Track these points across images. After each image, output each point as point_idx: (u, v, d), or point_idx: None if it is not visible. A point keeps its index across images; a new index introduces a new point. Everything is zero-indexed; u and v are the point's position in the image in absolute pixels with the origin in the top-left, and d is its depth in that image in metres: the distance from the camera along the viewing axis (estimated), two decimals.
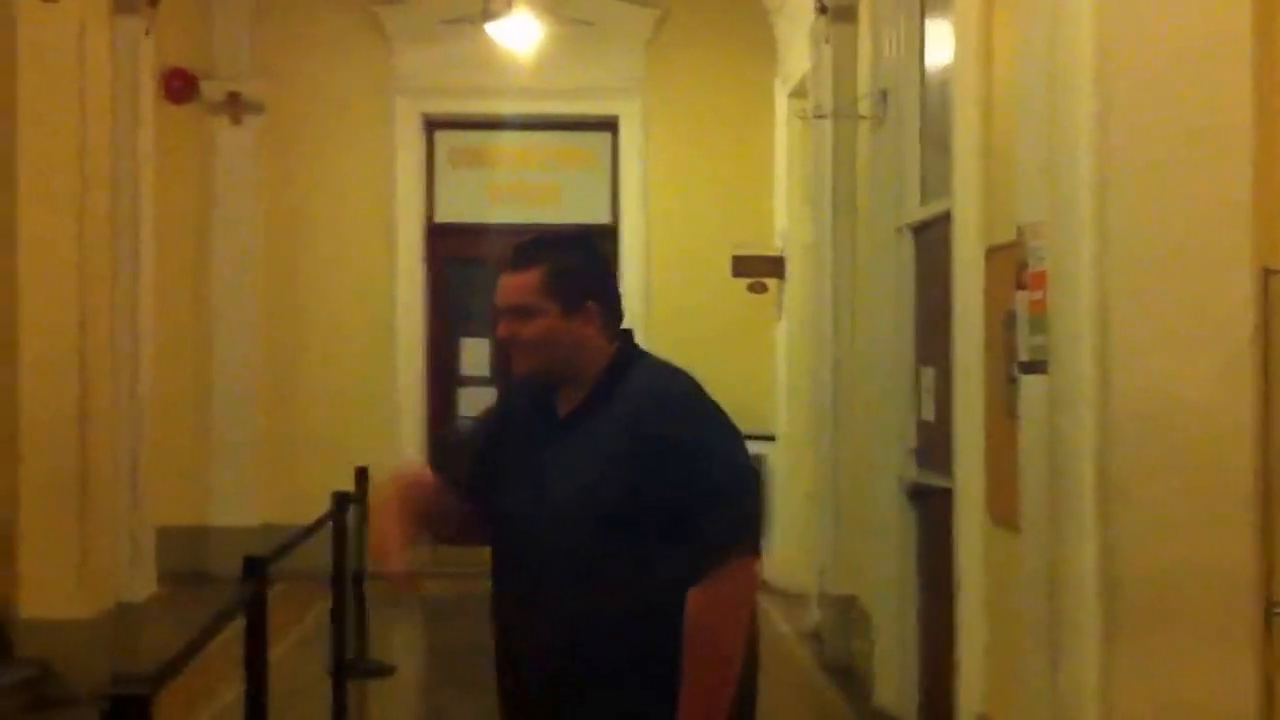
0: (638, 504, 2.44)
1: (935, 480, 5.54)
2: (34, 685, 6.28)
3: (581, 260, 2.63)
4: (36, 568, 6.55)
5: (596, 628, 2.48)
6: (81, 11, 6.53)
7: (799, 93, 8.46)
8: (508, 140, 10.12)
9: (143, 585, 7.59)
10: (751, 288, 9.66)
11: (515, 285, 2.56)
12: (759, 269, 9.57)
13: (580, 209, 10.25)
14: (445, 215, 10.22)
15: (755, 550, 2.49)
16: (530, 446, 2.63)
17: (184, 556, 8.82)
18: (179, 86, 9.11)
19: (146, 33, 7.28)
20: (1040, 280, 3.77)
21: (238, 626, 3.65)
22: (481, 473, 2.71)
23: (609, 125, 10.14)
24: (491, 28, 9.11)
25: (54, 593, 6.53)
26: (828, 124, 7.06)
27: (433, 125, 10.13)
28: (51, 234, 6.53)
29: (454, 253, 10.17)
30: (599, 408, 2.56)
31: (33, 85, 6.49)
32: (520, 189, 10.22)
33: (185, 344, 9.18)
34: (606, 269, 2.74)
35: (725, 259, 9.45)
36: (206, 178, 9.50)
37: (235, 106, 9.41)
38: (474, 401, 10.13)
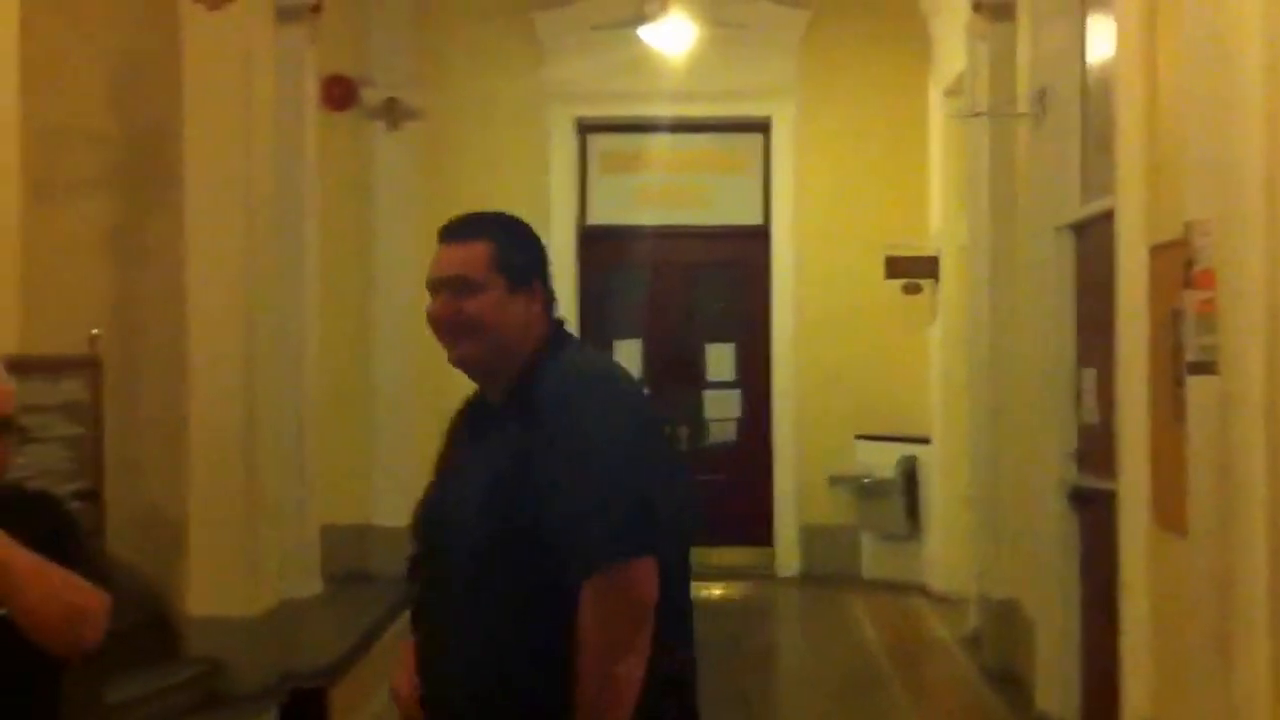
0: (516, 505, 2.25)
1: (1097, 483, 5.46)
2: (204, 681, 6.53)
3: (527, 235, 2.44)
4: (205, 567, 6.77)
5: (489, 641, 2.29)
6: (246, 21, 6.72)
7: (954, 91, 8.39)
8: (659, 143, 10.18)
9: (307, 583, 7.78)
10: (905, 289, 9.60)
11: (458, 256, 2.36)
12: (913, 270, 9.51)
13: (731, 211, 10.30)
14: (597, 218, 10.33)
15: (640, 552, 2.23)
16: (465, 446, 2.47)
17: (347, 555, 9.04)
18: (339, 94, 9.35)
19: (309, 42, 7.47)
20: (1209, 279, 3.70)
21: (402, 625, 3.74)
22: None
23: (761, 127, 10.15)
24: (644, 32, 9.21)
25: (222, 591, 6.75)
26: (984, 123, 6.99)
27: (585, 129, 10.25)
28: (218, 242, 6.75)
29: (606, 256, 10.29)
30: (510, 404, 2.37)
31: (198, 95, 6.72)
32: (671, 192, 10.30)
33: (348, 347, 9.40)
34: (545, 249, 2.50)
35: (878, 261, 9.41)
36: (366, 184, 9.74)
37: (393, 113, 9.63)
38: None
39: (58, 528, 2.61)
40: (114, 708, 5.38)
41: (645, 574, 2.22)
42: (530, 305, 2.37)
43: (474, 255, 2.35)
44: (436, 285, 2.36)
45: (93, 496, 4.95)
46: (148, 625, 6.72)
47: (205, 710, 6.36)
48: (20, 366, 4.48)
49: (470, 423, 2.47)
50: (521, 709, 2.27)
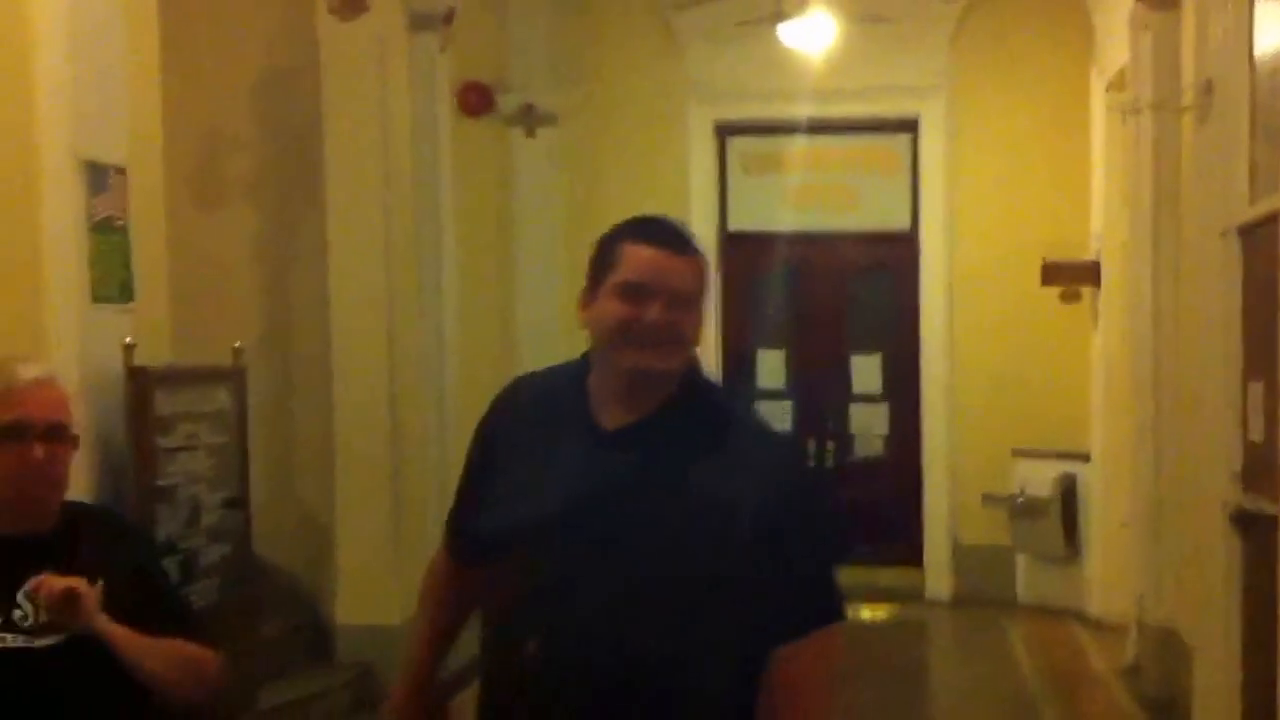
0: (744, 562, 2.26)
1: (1263, 506, 5.41)
2: (355, 686, 6.83)
3: None
4: (354, 575, 7.12)
5: (681, 683, 2.29)
6: (380, 30, 7.04)
7: (1117, 86, 8.36)
8: (802, 145, 10.22)
9: None
10: (1063, 296, 9.55)
11: (687, 270, 2.33)
12: (1071, 276, 9.46)
13: (877, 215, 10.32)
14: (738, 223, 10.44)
15: (845, 614, 2.36)
16: (566, 463, 2.39)
17: None
18: (476, 100, 9.61)
19: (442, 49, 7.75)
20: None
21: None
22: (478, 513, 2.50)
23: (909, 126, 10.16)
24: (784, 29, 9.30)
25: (370, 599, 7.07)
26: (1147, 118, 6.98)
27: (725, 131, 10.37)
28: (359, 251, 7.08)
29: (748, 262, 10.39)
30: (674, 430, 2.35)
31: (336, 104, 7.06)
32: (815, 194, 10.35)
33: (490, 354, 9.58)
34: None
35: (1034, 266, 9.39)
36: (505, 190, 9.99)
37: (530, 118, 9.86)
38: (770, 415, 10.31)
39: (134, 556, 2.73)
40: (267, 712, 5.64)
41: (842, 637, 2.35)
42: (701, 327, 2.38)
43: (696, 271, 2.35)
44: (650, 292, 2.30)
45: (238, 504, 5.23)
46: (300, 631, 7.07)
47: (357, 714, 6.68)
48: (169, 378, 4.79)
49: (567, 438, 2.40)
50: None
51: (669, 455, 2.32)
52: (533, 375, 2.64)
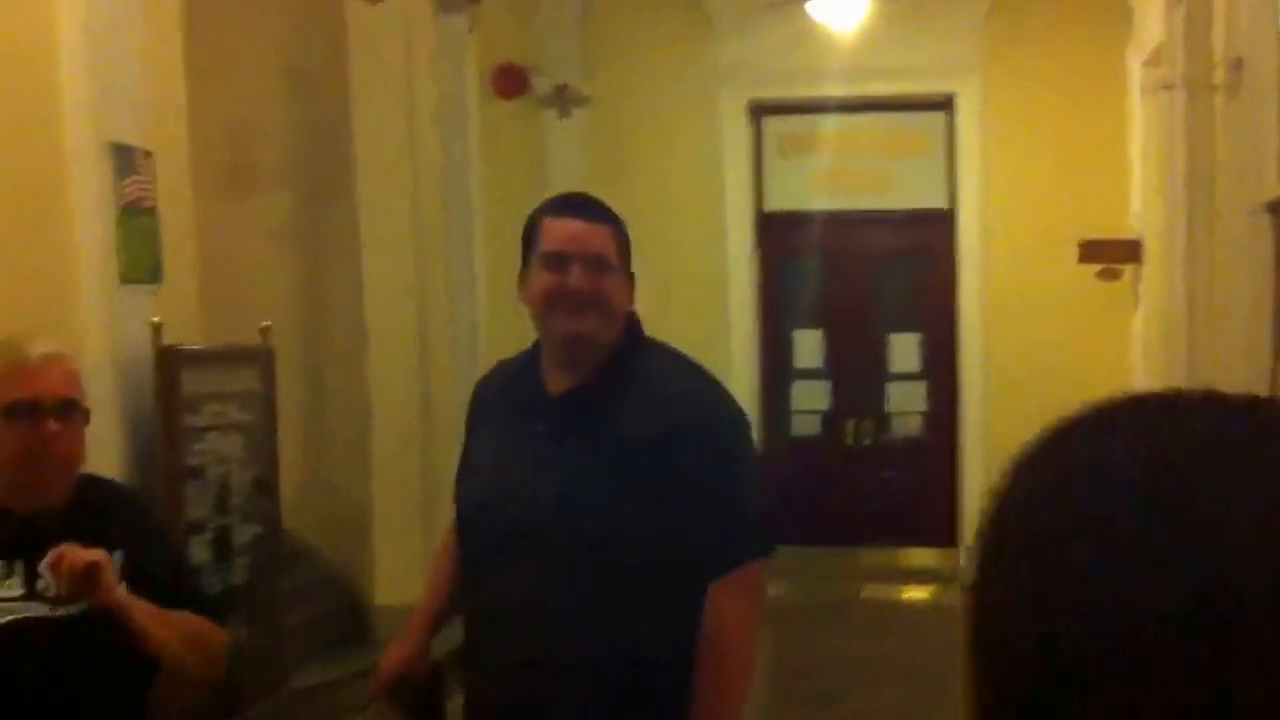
0: (661, 504, 2.42)
1: None
2: None
3: (624, 223, 2.61)
4: (388, 558, 7.20)
5: (609, 625, 2.45)
6: (406, 14, 7.10)
7: (1153, 62, 8.32)
8: (836, 124, 10.22)
9: None
10: (1101, 275, 9.51)
11: (594, 234, 2.51)
12: (1110, 254, 9.41)
13: (914, 194, 10.29)
14: (774, 204, 10.44)
15: (767, 551, 2.52)
16: (514, 428, 2.59)
17: None
18: (509, 82, 9.65)
19: (470, 30, 7.80)
20: None
21: None
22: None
23: (944, 105, 10.14)
24: (812, 7, 9.27)
25: (405, 581, 7.13)
26: (1180, 96, 6.96)
27: (759, 111, 10.38)
28: (390, 234, 7.16)
29: (784, 243, 10.40)
30: (606, 390, 2.52)
31: (364, 88, 7.13)
32: (851, 175, 10.32)
33: (521, 335, 9.65)
34: None
35: (1072, 244, 9.34)
36: (539, 172, 10.03)
37: (563, 100, 9.91)
38: (807, 396, 10.37)
39: (146, 531, 2.78)
40: (303, 693, 5.72)
41: (764, 572, 2.53)
42: (631, 290, 2.58)
43: (605, 235, 2.54)
44: (567, 259, 2.49)
45: (267, 484, 5.32)
46: (336, 612, 7.16)
47: None
48: (196, 359, 4.89)
49: (524, 408, 2.60)
50: (644, 691, 2.48)
51: (600, 414, 2.49)
52: (505, 361, 2.84)
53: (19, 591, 2.56)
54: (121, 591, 2.55)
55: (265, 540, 5.27)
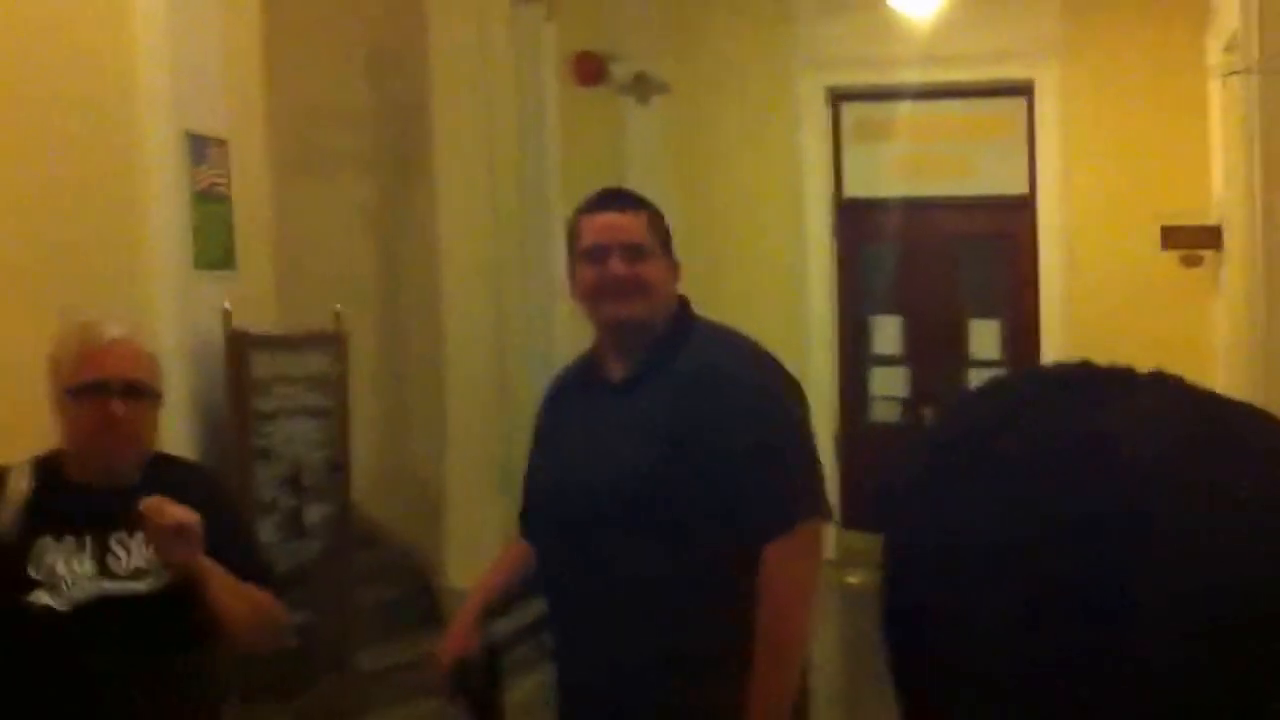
0: (720, 476, 2.48)
1: None
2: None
3: (660, 210, 2.71)
4: (462, 540, 7.24)
5: (666, 604, 2.52)
6: (481, 3, 7.17)
7: (1231, 47, 8.18)
8: (915, 110, 10.14)
9: None
10: (1184, 261, 9.39)
11: (628, 223, 2.62)
12: (1192, 240, 9.27)
13: (993, 180, 10.19)
14: (853, 190, 10.38)
15: (826, 512, 2.59)
16: (581, 421, 2.68)
17: None
18: (588, 69, 9.69)
19: (547, 18, 7.84)
20: None
21: None
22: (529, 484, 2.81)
23: (1024, 90, 10.02)
24: None
25: (478, 564, 7.17)
26: (1254, 80, 6.84)
27: (838, 98, 10.32)
28: (467, 220, 7.23)
29: (863, 229, 10.35)
30: (662, 372, 2.59)
31: (443, 74, 7.20)
32: (930, 161, 10.26)
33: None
34: None
35: (1154, 230, 9.21)
36: (617, 159, 10.06)
37: (642, 87, 9.93)
38: (886, 382, 10.32)
39: (230, 519, 2.83)
40: (373, 674, 5.79)
41: (824, 531, 2.60)
42: (674, 275, 2.67)
43: (640, 224, 2.63)
44: (605, 250, 2.59)
45: (339, 466, 5.40)
46: (408, 594, 7.24)
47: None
48: (267, 342, 4.99)
49: (588, 398, 2.70)
50: (701, 663, 2.54)
51: (657, 396, 2.57)
52: (570, 364, 2.97)
53: (91, 567, 2.63)
54: (203, 563, 2.62)
55: (336, 521, 5.36)
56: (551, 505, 2.70)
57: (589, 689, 2.65)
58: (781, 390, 2.68)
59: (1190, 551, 0.67)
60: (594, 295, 2.62)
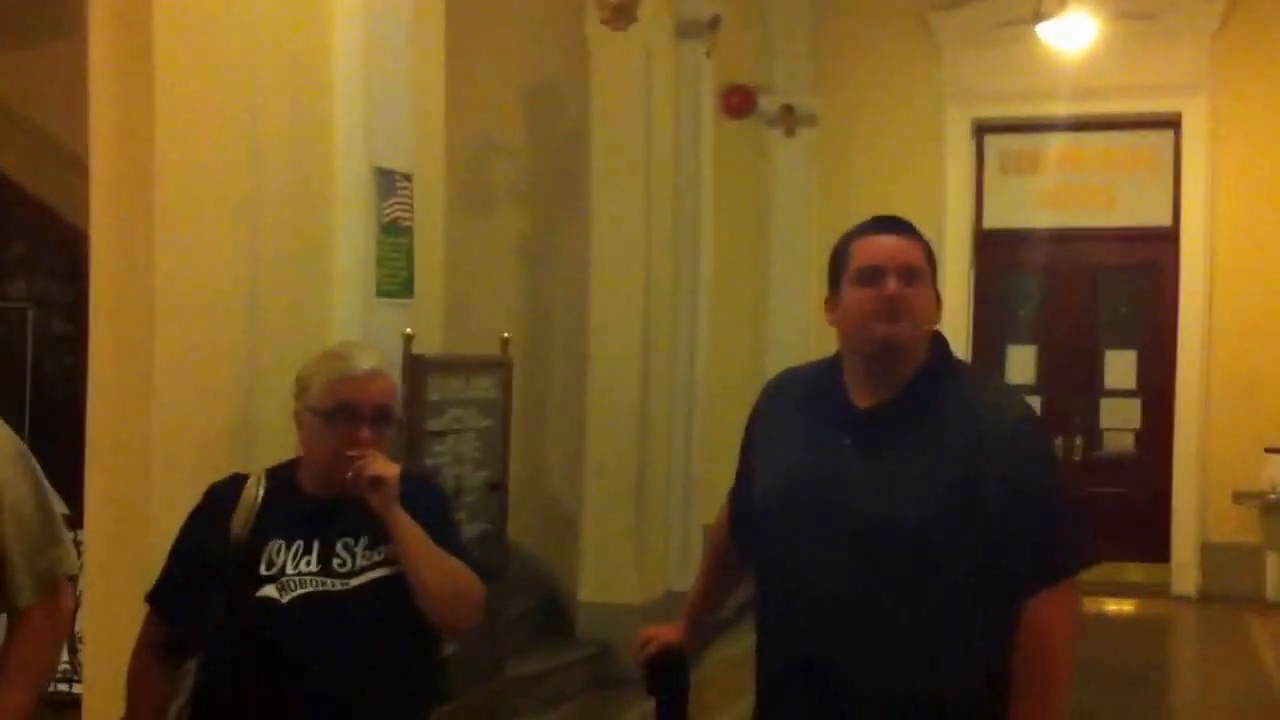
0: (977, 529, 2.44)
1: None
2: (594, 663, 7.02)
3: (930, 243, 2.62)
4: (597, 556, 7.35)
5: (931, 648, 2.47)
6: (647, 38, 7.22)
7: None
8: (1059, 143, 10.08)
9: (690, 577, 8.22)
10: None
11: (906, 246, 2.54)
12: None
13: (1135, 212, 10.09)
14: (994, 221, 10.32)
15: (1089, 563, 2.54)
16: (819, 437, 2.59)
17: None
18: (737, 102, 9.77)
19: (707, 54, 7.90)
20: None
21: None
22: (745, 494, 2.74)
23: (1170, 123, 9.89)
24: (1043, 28, 9.18)
25: (611, 580, 7.29)
26: None
27: (982, 130, 10.28)
28: (620, 249, 7.29)
29: (1003, 259, 10.29)
30: (919, 405, 2.53)
31: (604, 110, 7.28)
32: (1072, 192, 10.18)
33: (740, 354, 9.67)
34: None
35: None
36: (763, 189, 10.13)
37: (790, 119, 9.97)
38: None
39: (437, 510, 2.94)
40: (512, 681, 5.89)
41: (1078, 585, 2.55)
42: (938, 307, 2.60)
43: (917, 250, 2.56)
44: (883, 271, 2.52)
45: (499, 486, 5.47)
46: (544, 607, 7.35)
47: (595, 689, 6.87)
48: (442, 366, 5.10)
49: (822, 417, 2.61)
50: (948, 703, 2.49)
51: (913, 431, 2.52)
52: (794, 369, 2.87)
53: (315, 567, 2.78)
54: (399, 510, 2.75)
55: (492, 537, 5.44)
56: (793, 519, 2.58)
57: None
58: (1044, 437, 2.69)
59: None
60: (865, 317, 2.53)
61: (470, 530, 5.27)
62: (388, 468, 2.75)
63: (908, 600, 2.46)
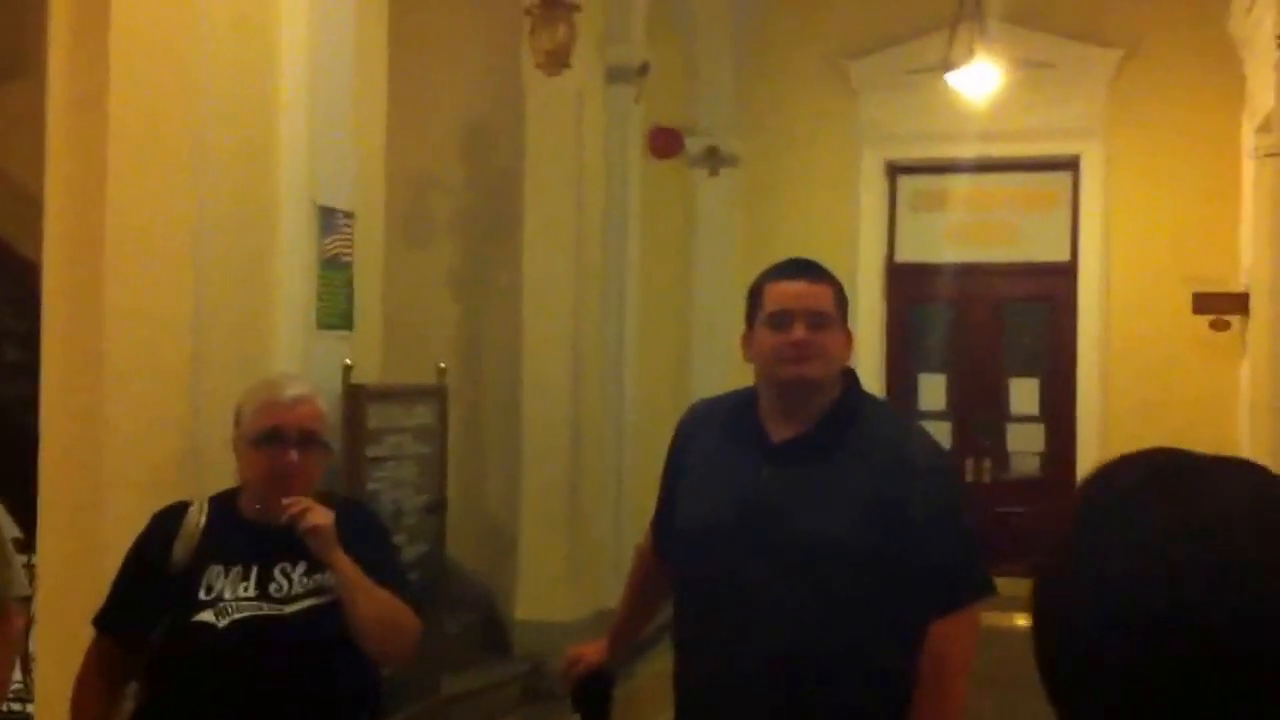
0: (891, 550, 2.47)
1: None
2: (528, 679, 6.95)
3: (842, 285, 2.68)
4: (532, 574, 7.33)
5: (831, 664, 2.50)
6: (579, 82, 7.28)
7: (1265, 129, 8.21)
8: (966, 182, 10.26)
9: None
10: (1213, 325, 9.41)
11: (814, 292, 2.58)
12: (1221, 306, 9.31)
13: (1037, 247, 10.29)
14: (905, 255, 10.49)
15: (990, 591, 2.57)
16: (736, 465, 2.62)
17: None
18: (665, 143, 9.83)
19: (636, 100, 7.97)
20: None
21: None
22: (669, 519, 2.77)
23: (1069, 165, 10.12)
24: (952, 76, 9.34)
25: (546, 597, 7.27)
26: None
27: (895, 170, 10.45)
28: (551, 279, 7.33)
29: (913, 292, 10.46)
30: (830, 437, 2.57)
31: (537, 150, 7.33)
32: (978, 229, 10.36)
33: (666, 381, 9.67)
34: None
35: (1186, 297, 9.26)
36: (688, 225, 10.21)
37: (714, 160, 10.06)
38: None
39: (373, 536, 2.94)
40: (447, 700, 5.86)
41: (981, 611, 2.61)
42: (848, 345, 2.65)
43: (825, 294, 2.61)
44: (792, 315, 2.56)
45: (438, 509, 5.48)
46: (482, 624, 7.32)
47: (527, 705, 6.82)
48: (382, 395, 5.10)
49: (741, 450, 2.64)
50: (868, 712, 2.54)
51: (828, 461, 2.56)
52: (708, 400, 2.91)
53: (253, 593, 2.78)
54: (339, 551, 2.74)
55: (431, 558, 5.44)
56: (714, 544, 2.60)
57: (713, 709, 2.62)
58: (952, 470, 2.80)
59: None
60: (775, 358, 2.58)
61: (410, 552, 5.26)
62: (324, 517, 2.74)
63: (828, 614, 2.49)
